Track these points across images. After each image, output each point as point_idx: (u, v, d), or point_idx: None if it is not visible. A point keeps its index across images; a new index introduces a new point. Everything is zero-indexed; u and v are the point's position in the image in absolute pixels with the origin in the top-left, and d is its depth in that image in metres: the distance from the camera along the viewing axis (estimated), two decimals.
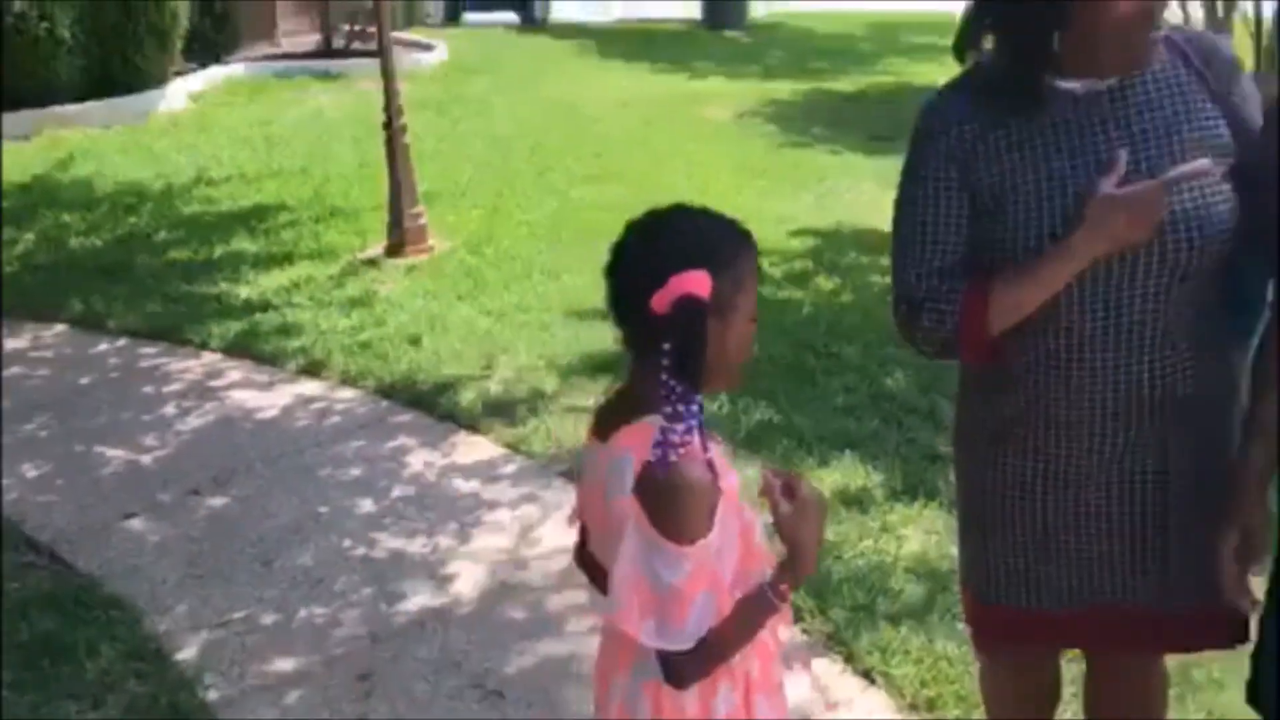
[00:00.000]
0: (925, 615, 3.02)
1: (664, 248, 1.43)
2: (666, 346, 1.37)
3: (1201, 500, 1.73)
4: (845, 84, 11.82)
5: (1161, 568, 1.77)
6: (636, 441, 1.42)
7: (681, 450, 1.38)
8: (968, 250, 1.74)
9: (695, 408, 1.40)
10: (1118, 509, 1.76)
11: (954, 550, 2.80)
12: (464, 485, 3.84)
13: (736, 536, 1.51)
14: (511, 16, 16.89)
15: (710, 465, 1.45)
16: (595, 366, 4.69)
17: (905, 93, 11.22)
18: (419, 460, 4.02)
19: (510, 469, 3.95)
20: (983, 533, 1.89)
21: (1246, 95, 1.68)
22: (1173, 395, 1.68)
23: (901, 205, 1.81)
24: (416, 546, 3.49)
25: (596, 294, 5.67)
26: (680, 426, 1.37)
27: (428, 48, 12.85)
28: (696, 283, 1.38)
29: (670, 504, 1.39)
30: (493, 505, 3.70)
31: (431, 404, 4.43)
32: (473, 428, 4.24)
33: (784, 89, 11.26)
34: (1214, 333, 1.70)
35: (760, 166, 8.09)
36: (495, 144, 8.73)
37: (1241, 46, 7.40)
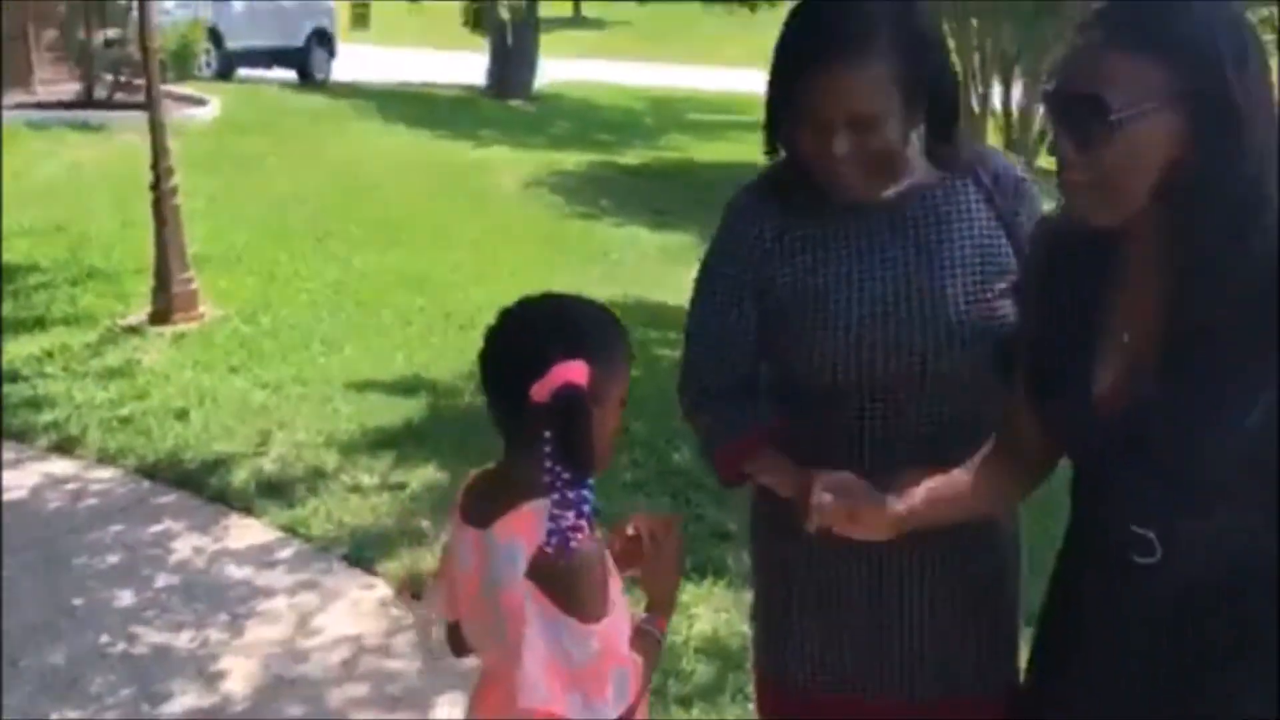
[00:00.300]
0: (716, 696, 3.02)
1: (542, 337, 1.45)
2: (548, 434, 1.39)
3: (976, 594, 1.79)
4: (630, 157, 12.08)
5: (943, 660, 1.80)
6: (525, 527, 1.43)
7: (580, 536, 1.41)
8: (758, 351, 1.77)
9: (585, 492, 1.42)
10: (906, 598, 1.79)
11: (745, 628, 2.81)
12: (236, 572, 3.62)
13: (624, 606, 1.55)
14: (288, 74, 16.53)
15: (598, 542, 1.49)
16: (379, 442, 4.55)
17: (688, 169, 11.58)
18: (186, 546, 3.77)
19: (287, 553, 3.75)
20: (774, 614, 1.90)
21: (1033, 215, 1.75)
22: None
23: (696, 300, 1.83)
24: (183, 641, 3.25)
25: (380, 365, 5.52)
26: (571, 513, 1.40)
27: (199, 102, 12.37)
28: (576, 372, 1.40)
29: (574, 587, 1.42)
30: (268, 593, 3.50)
31: (200, 484, 4.18)
32: (246, 509, 4.01)
33: (569, 160, 11.39)
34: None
35: (547, 237, 8.12)
36: (272, 206, 8.43)
37: (992, 137, 7.97)
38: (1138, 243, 1.37)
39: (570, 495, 1.40)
